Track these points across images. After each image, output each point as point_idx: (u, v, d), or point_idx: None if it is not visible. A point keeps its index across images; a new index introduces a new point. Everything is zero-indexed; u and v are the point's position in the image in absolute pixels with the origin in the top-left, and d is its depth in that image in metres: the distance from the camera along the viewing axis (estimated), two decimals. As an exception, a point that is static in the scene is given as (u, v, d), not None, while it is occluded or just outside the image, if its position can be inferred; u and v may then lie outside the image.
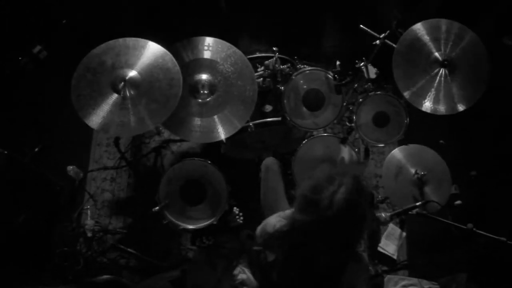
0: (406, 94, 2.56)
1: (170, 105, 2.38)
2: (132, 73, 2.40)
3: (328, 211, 1.60)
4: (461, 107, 2.58)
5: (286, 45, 2.91)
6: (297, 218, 1.72)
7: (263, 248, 1.99)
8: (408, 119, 2.78)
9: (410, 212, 2.28)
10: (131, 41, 2.43)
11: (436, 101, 2.57)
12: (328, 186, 1.65)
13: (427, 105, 2.56)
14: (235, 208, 2.67)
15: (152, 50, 2.43)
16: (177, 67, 2.42)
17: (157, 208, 2.52)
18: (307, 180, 1.75)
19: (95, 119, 2.36)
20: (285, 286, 1.87)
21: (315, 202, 1.64)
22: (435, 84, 2.58)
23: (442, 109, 2.57)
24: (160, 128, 3.35)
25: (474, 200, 3.24)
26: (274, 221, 1.93)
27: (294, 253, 1.79)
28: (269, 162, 2.64)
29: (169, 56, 2.43)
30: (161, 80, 2.41)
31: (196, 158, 2.68)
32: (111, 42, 2.41)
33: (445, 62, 2.56)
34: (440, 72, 2.57)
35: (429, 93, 2.57)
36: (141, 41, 2.43)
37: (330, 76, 2.72)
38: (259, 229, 2.03)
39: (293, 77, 2.73)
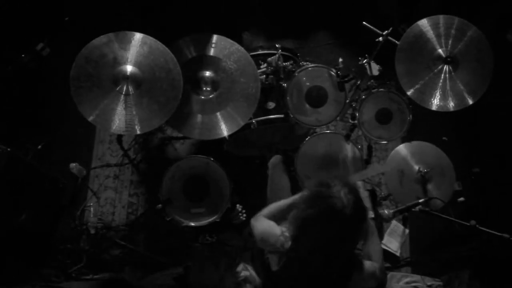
0: (409, 92, 2.56)
1: (170, 106, 2.38)
2: (134, 70, 2.38)
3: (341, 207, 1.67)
4: (470, 101, 2.58)
5: (289, 42, 2.91)
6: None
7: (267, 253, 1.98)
8: (411, 116, 2.77)
9: (413, 209, 2.28)
10: (132, 35, 2.39)
11: (443, 98, 2.57)
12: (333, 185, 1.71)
13: (435, 102, 2.56)
14: (238, 205, 2.67)
15: (154, 47, 2.41)
16: (178, 68, 2.41)
17: (160, 205, 2.52)
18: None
19: (94, 113, 2.34)
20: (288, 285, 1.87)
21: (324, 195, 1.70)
22: (440, 81, 2.57)
23: (450, 105, 2.58)
24: (163, 125, 3.35)
25: (477, 197, 3.23)
26: (278, 232, 1.90)
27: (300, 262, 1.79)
28: (276, 160, 2.65)
29: (170, 55, 2.41)
30: (163, 80, 2.39)
31: (199, 155, 2.68)
32: (111, 34, 2.36)
33: (448, 59, 2.55)
34: (444, 69, 2.57)
35: (435, 90, 2.57)
36: (143, 36, 2.40)
37: (333, 73, 2.72)
38: (258, 231, 1.99)
39: (296, 74, 2.72)
